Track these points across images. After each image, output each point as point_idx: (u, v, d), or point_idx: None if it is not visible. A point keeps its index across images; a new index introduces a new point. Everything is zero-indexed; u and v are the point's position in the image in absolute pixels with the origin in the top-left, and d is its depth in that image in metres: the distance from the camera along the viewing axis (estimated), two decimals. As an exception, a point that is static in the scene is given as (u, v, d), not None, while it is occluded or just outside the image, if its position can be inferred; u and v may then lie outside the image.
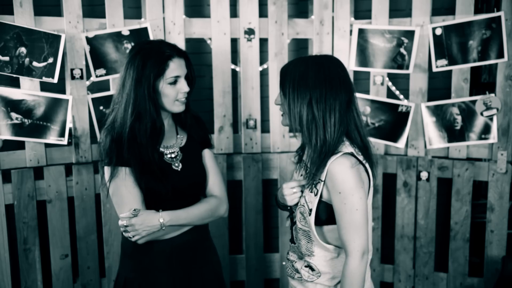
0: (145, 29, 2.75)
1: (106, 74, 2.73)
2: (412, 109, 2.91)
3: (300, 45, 3.18)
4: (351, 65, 2.94)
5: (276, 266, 3.15)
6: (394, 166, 2.99)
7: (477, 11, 2.99)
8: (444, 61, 2.83)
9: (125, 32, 2.73)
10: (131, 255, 1.96)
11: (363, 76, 3.06)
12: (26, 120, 2.60)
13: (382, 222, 3.07)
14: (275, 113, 2.97)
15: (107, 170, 1.88)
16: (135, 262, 1.95)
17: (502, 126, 2.81)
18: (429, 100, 2.91)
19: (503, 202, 2.87)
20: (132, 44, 2.71)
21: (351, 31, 2.92)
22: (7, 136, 2.57)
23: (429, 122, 2.90)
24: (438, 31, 2.82)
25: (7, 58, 2.52)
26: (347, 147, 1.70)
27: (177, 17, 2.82)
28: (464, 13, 2.79)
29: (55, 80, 2.62)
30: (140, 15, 2.83)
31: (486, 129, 2.83)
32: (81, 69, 2.69)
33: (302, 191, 1.80)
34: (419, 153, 2.95)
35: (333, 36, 2.95)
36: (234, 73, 2.98)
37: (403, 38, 2.87)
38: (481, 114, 2.82)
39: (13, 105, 2.57)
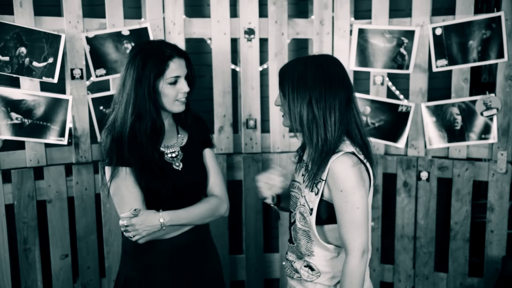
0: (145, 29, 2.75)
1: (106, 74, 2.73)
2: (412, 109, 2.91)
3: (300, 45, 3.18)
4: (351, 65, 2.94)
5: (276, 266, 3.15)
6: (394, 166, 3.00)
7: (477, 11, 2.99)
8: (444, 61, 2.84)
9: (125, 32, 2.73)
10: (132, 254, 1.96)
11: (363, 76, 3.06)
12: (26, 120, 2.59)
13: (382, 222, 3.07)
14: (275, 113, 2.97)
15: (107, 170, 1.88)
16: (136, 261, 1.95)
17: (502, 126, 2.81)
18: (429, 100, 2.91)
19: (503, 202, 2.87)
20: (132, 44, 2.71)
21: (351, 31, 2.92)
22: (7, 136, 2.57)
23: (429, 122, 2.91)
24: (438, 31, 2.82)
25: (7, 58, 2.52)
26: (348, 146, 1.70)
27: (177, 17, 2.82)
28: (464, 13, 2.79)
29: (55, 80, 2.62)
30: (140, 15, 2.83)
31: (486, 129, 2.83)
32: (81, 69, 2.69)
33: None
34: (419, 153, 2.95)
35: (333, 36, 2.95)
36: (234, 73, 2.98)
37: (403, 38, 2.87)
38: (481, 114, 2.82)
39: (13, 105, 2.57)
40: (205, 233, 2.06)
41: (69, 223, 2.77)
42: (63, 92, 2.70)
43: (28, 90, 2.59)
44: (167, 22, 2.81)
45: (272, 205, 2.01)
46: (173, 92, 1.89)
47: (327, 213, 1.74)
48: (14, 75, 2.56)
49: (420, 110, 2.91)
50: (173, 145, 1.97)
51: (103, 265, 2.88)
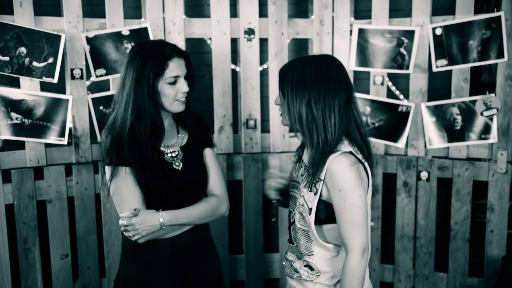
0: (145, 29, 2.75)
1: (106, 74, 2.73)
2: (412, 109, 2.91)
3: (300, 45, 3.18)
4: (351, 65, 2.94)
5: (276, 266, 3.15)
6: (394, 166, 3.00)
7: (477, 11, 2.99)
8: (444, 61, 2.84)
9: (125, 32, 2.73)
10: (132, 253, 1.96)
11: (363, 76, 3.06)
12: (26, 120, 2.60)
13: (382, 222, 3.07)
14: (275, 113, 2.97)
15: (107, 169, 1.88)
16: (135, 261, 1.95)
17: (502, 126, 2.81)
18: (429, 100, 2.91)
19: (503, 202, 2.87)
20: (132, 44, 2.71)
21: (351, 31, 2.92)
22: (7, 136, 2.57)
23: (429, 122, 2.91)
24: (438, 31, 2.82)
25: (7, 58, 2.52)
26: (345, 146, 1.70)
27: (177, 17, 2.82)
28: (464, 13, 2.79)
29: (55, 80, 2.62)
30: (140, 15, 2.83)
31: (486, 129, 2.83)
32: (81, 69, 2.69)
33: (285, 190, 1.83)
34: (419, 153, 2.95)
35: (333, 36, 2.95)
36: (234, 73, 2.98)
37: (403, 38, 2.87)
38: (481, 114, 2.82)
39: (13, 105, 2.57)
40: (205, 233, 2.06)
41: (69, 223, 2.77)
42: (63, 92, 2.70)
43: (28, 90, 2.59)
44: (167, 22, 2.81)
45: (273, 201, 2.02)
46: (173, 92, 1.89)
47: (326, 213, 1.74)
48: (14, 75, 2.56)
49: (420, 110, 2.91)
50: (173, 144, 1.97)
51: (103, 265, 2.88)
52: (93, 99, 2.73)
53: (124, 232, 1.85)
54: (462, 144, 2.89)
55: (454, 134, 2.88)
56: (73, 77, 2.68)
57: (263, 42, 2.97)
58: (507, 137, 2.81)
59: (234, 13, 2.93)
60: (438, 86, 3.08)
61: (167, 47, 1.89)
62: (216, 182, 2.02)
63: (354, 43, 2.91)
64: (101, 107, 2.75)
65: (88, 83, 2.73)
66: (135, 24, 2.76)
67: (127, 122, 1.85)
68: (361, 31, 2.90)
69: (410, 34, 2.85)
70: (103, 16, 2.72)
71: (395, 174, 3.01)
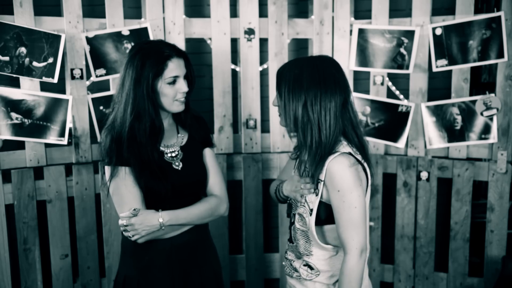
0: (145, 29, 2.75)
1: (106, 74, 2.73)
2: (412, 109, 2.91)
3: (300, 45, 3.18)
4: (351, 65, 2.94)
5: (276, 266, 3.15)
6: (394, 166, 2.99)
7: (477, 11, 2.99)
8: (444, 61, 2.83)
9: (125, 32, 2.73)
10: (131, 253, 1.96)
11: (363, 76, 3.06)
12: (26, 120, 2.60)
13: (382, 222, 3.07)
14: (275, 113, 2.96)
15: (107, 169, 1.88)
16: (135, 260, 1.95)
17: (502, 126, 2.81)
18: (429, 100, 2.91)
19: (503, 202, 2.87)
20: (132, 44, 2.71)
21: (351, 31, 2.92)
22: (7, 136, 2.57)
23: (429, 122, 2.90)
24: (438, 31, 2.82)
25: (7, 58, 2.52)
26: (344, 147, 1.71)
27: (177, 17, 2.82)
28: (464, 13, 2.79)
29: (55, 80, 2.62)
30: (140, 15, 2.83)
31: (486, 129, 2.83)
32: (81, 69, 2.69)
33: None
34: (419, 153, 2.95)
35: (333, 36, 2.95)
36: (234, 73, 2.98)
37: (403, 38, 2.87)
38: (481, 114, 2.82)
39: (13, 105, 2.57)
40: (205, 233, 2.06)
41: (69, 223, 2.77)
42: (63, 92, 2.70)
43: (28, 90, 2.59)
44: (167, 22, 2.81)
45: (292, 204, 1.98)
46: (172, 92, 1.89)
47: (325, 214, 1.74)
48: (14, 75, 2.56)
49: (420, 110, 2.91)
50: (173, 144, 1.97)
51: (103, 265, 2.88)
52: (93, 99, 2.73)
53: (123, 232, 1.85)
54: (462, 144, 2.89)
55: (454, 134, 2.88)
56: (73, 77, 2.68)
57: (263, 42, 2.97)
58: (507, 137, 2.81)
59: (234, 13, 2.93)
60: (438, 86, 3.08)
61: (166, 47, 1.89)
62: (215, 182, 2.03)
63: (354, 43, 2.91)
64: (101, 107, 2.75)
65: (88, 83, 2.73)
66: (135, 24, 2.76)
67: (127, 122, 1.85)
68: (361, 31, 2.90)
69: (410, 34, 2.85)
70: (103, 16, 2.72)
71: (395, 174, 3.01)
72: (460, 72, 2.84)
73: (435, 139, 2.91)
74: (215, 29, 2.87)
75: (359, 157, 1.72)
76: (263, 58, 2.99)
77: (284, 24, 2.93)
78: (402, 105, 2.92)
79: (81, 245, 2.80)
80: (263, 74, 3.02)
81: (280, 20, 2.92)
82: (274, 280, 3.19)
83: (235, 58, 2.96)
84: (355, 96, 2.92)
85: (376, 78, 2.94)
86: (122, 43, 2.73)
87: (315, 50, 2.95)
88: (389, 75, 2.96)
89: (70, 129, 2.69)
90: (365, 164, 1.74)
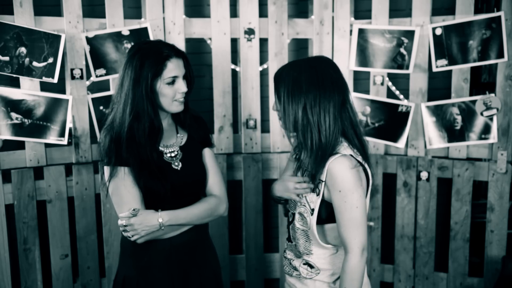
0: (145, 29, 2.75)
1: (106, 74, 2.73)
2: (412, 109, 2.91)
3: (300, 45, 3.18)
4: (351, 65, 2.94)
5: (276, 266, 3.15)
6: (394, 166, 2.99)
7: (477, 11, 2.99)
8: (444, 61, 2.83)
9: (125, 32, 2.73)
10: (131, 253, 1.96)
11: (363, 76, 3.06)
12: (26, 120, 2.60)
13: (382, 222, 3.07)
14: (275, 113, 2.94)
15: (106, 169, 1.88)
16: (134, 261, 1.95)
17: (502, 126, 2.81)
18: (429, 100, 2.91)
19: (503, 202, 2.87)
20: (132, 44, 2.71)
21: (351, 31, 2.92)
22: (7, 136, 2.58)
23: (429, 122, 2.90)
24: (438, 31, 2.82)
25: (7, 58, 2.52)
26: (345, 149, 1.71)
27: (177, 17, 2.82)
28: (464, 13, 2.79)
29: (55, 80, 2.62)
30: (140, 15, 2.83)
31: (486, 129, 2.83)
32: (81, 69, 2.69)
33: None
34: (419, 153, 2.95)
35: (333, 36, 2.95)
36: (234, 73, 2.98)
37: (403, 38, 2.87)
38: (481, 114, 2.82)
39: (13, 105, 2.57)
40: (204, 233, 2.06)
41: (69, 223, 2.77)
42: (63, 92, 2.70)
43: (28, 90, 2.60)
44: (167, 22, 2.81)
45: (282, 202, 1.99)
46: (171, 92, 1.89)
47: (326, 213, 1.75)
48: (14, 75, 2.56)
49: (420, 110, 2.91)
50: (172, 144, 1.97)
51: (103, 265, 2.88)
52: (93, 99, 2.74)
53: (123, 232, 1.85)
54: (462, 144, 2.88)
55: (454, 134, 2.88)
56: (73, 77, 2.68)
57: (263, 42, 2.97)
58: (507, 137, 2.81)
59: (234, 13, 2.93)
60: (438, 86, 3.08)
61: (165, 47, 1.89)
62: (215, 182, 2.03)
63: (354, 43, 2.91)
64: (101, 107, 2.75)
65: (88, 83, 2.73)
66: (135, 24, 2.76)
67: (126, 122, 1.85)
68: (361, 31, 2.90)
69: (410, 34, 2.85)
70: (103, 16, 2.72)
71: (395, 174, 3.01)
72: (460, 72, 2.84)
73: (435, 139, 2.91)
74: (215, 29, 2.87)
75: (359, 158, 1.73)
76: (263, 58, 2.99)
77: (284, 24, 2.93)
78: (402, 105, 2.92)
79: (81, 245, 2.80)
80: (263, 74, 3.02)
81: (280, 20, 2.92)
82: (274, 280, 3.19)
83: (235, 58, 2.96)
84: (355, 96, 2.92)
85: (376, 78, 2.94)
86: (122, 43, 2.73)
87: (315, 50, 2.95)
88: (389, 75, 2.96)
89: (70, 129, 2.69)
90: (366, 165, 1.75)
